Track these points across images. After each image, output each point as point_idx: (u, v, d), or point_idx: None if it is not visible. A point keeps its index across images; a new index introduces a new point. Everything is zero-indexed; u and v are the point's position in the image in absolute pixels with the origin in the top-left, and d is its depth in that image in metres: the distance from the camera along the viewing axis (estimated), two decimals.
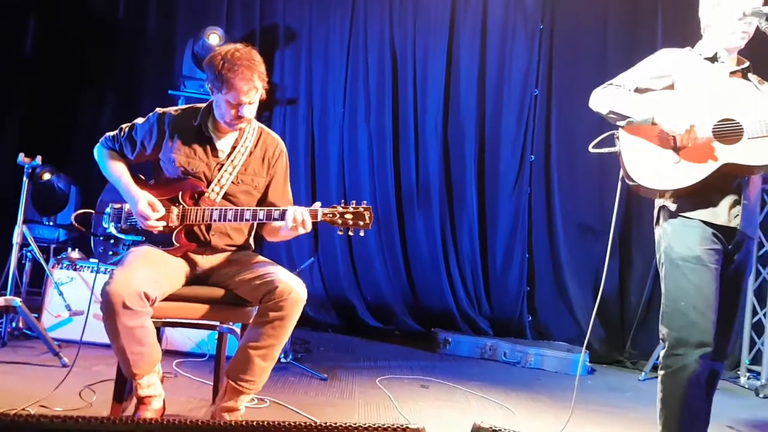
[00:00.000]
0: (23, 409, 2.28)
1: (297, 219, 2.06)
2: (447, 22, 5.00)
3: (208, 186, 2.22)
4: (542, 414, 3.06)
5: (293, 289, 2.04)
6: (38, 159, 3.18)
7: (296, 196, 4.85)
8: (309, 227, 2.08)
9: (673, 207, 2.06)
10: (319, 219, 2.09)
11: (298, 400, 2.81)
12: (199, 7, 4.92)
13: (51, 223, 4.15)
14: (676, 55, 2.17)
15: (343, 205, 2.10)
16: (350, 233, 2.10)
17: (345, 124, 5.01)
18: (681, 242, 2.01)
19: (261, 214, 2.14)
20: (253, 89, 2.11)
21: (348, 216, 2.09)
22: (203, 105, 2.29)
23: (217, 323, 2.36)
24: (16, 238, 3.17)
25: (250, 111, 2.16)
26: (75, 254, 3.64)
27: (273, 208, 2.15)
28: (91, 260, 3.59)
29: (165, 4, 4.97)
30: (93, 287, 3.35)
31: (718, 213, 2.00)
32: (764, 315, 4.46)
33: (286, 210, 2.11)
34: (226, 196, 2.24)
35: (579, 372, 2.66)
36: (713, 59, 2.12)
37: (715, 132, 2.00)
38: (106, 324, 1.94)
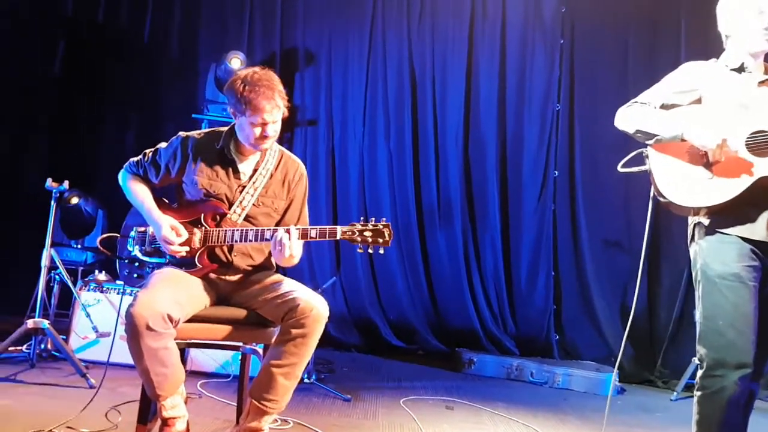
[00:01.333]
0: (50, 430, 2.30)
1: (276, 239, 2.06)
2: (465, 38, 5.02)
3: (229, 208, 2.24)
4: None
5: (314, 306, 2.04)
6: (65, 184, 3.25)
7: (318, 215, 4.89)
8: (288, 251, 2.06)
9: (708, 223, 1.99)
10: (338, 237, 2.08)
11: (321, 422, 2.78)
12: (221, 32, 5.03)
13: (79, 246, 4.22)
14: (701, 68, 2.12)
15: (362, 223, 2.10)
16: (370, 251, 2.09)
17: (365, 142, 5.04)
18: (718, 259, 1.94)
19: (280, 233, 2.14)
20: (275, 108, 2.15)
21: (367, 233, 2.08)
22: (225, 128, 2.32)
23: (240, 344, 2.36)
24: (45, 261, 3.23)
25: (273, 130, 2.19)
26: (102, 276, 3.70)
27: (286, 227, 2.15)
28: (118, 282, 3.63)
29: (187, 29, 5.09)
30: (119, 309, 3.39)
31: (756, 229, 1.93)
32: None
33: (305, 228, 2.11)
34: (248, 218, 2.26)
35: (611, 392, 2.59)
36: (740, 69, 2.07)
37: (748, 145, 1.93)
38: (130, 345, 1.95)
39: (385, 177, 5.01)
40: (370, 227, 2.09)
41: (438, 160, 5.02)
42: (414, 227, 4.95)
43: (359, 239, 2.08)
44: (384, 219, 2.11)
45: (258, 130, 2.16)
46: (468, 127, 5.03)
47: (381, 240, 2.08)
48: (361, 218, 2.14)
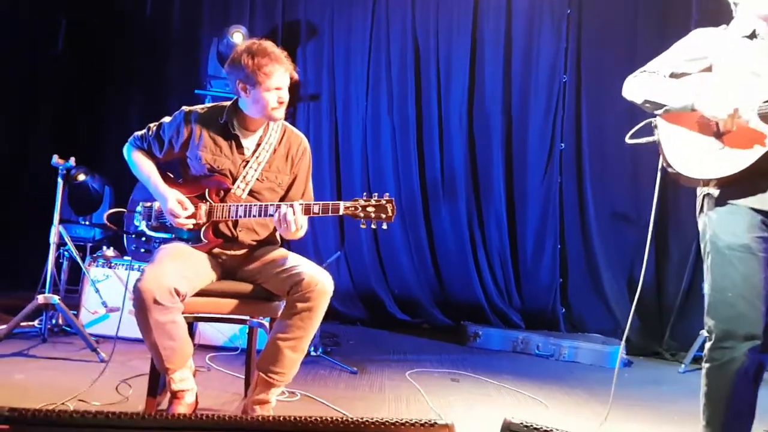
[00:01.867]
0: (63, 404, 2.34)
1: (279, 215, 2.06)
2: (470, 9, 4.94)
3: (233, 183, 2.24)
4: (578, 408, 3.00)
5: (319, 281, 2.05)
6: (72, 160, 3.25)
7: (321, 190, 4.87)
8: (293, 226, 2.06)
9: (717, 194, 1.96)
10: (341, 212, 2.08)
11: (328, 394, 2.81)
12: (222, 6, 4.97)
13: (87, 223, 4.25)
14: (712, 35, 2.05)
15: (365, 198, 2.09)
16: (373, 226, 2.08)
17: (368, 117, 5.00)
18: (727, 230, 1.91)
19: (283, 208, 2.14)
20: (288, 70, 2.18)
21: (370, 209, 2.07)
22: (228, 103, 2.30)
23: (247, 317, 2.38)
24: (53, 238, 3.25)
25: (286, 95, 2.20)
26: (110, 252, 3.73)
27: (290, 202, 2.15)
28: (126, 258, 3.66)
29: (189, 3, 5.03)
30: (127, 284, 3.42)
31: (767, 199, 1.91)
32: None
33: (308, 203, 2.11)
34: (251, 193, 2.26)
35: (618, 365, 2.59)
36: (751, 36, 2.01)
37: (761, 113, 1.89)
38: (139, 320, 1.97)
39: (389, 151, 4.98)
40: (373, 203, 2.07)
41: (442, 134, 4.98)
42: (418, 201, 4.94)
43: (362, 215, 2.07)
44: (387, 194, 2.09)
45: (274, 97, 2.16)
46: (472, 99, 4.97)
47: (384, 215, 2.07)
48: (364, 193, 2.13)
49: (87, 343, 3.10)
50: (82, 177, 3.99)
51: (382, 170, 4.99)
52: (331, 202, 2.09)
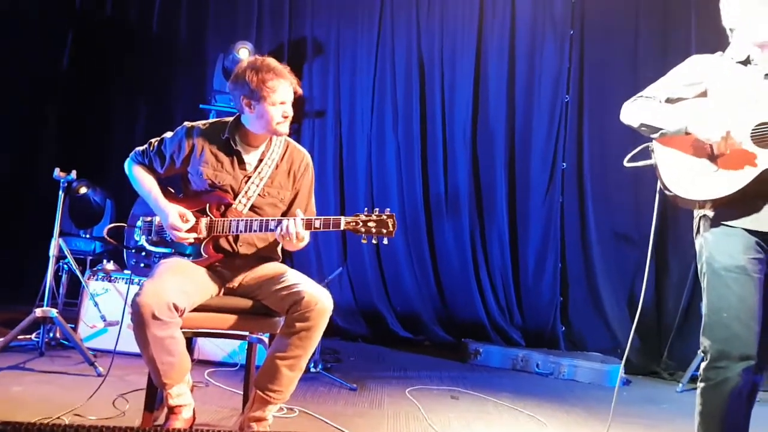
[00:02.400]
0: (58, 418, 2.33)
1: (282, 229, 2.08)
2: (474, 29, 4.99)
3: (234, 198, 2.25)
4: (576, 427, 2.98)
5: (319, 300, 2.05)
6: (73, 173, 3.27)
7: (325, 207, 4.90)
8: (295, 239, 2.09)
9: (713, 215, 1.98)
10: (342, 227, 2.09)
11: (327, 410, 2.80)
12: (229, 22, 5.03)
13: (87, 236, 4.26)
14: (707, 61, 2.10)
15: (366, 214, 2.10)
16: (374, 241, 2.09)
17: (373, 134, 5.03)
18: (723, 251, 1.94)
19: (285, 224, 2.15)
20: (292, 85, 2.21)
21: (371, 224, 2.08)
22: (231, 119, 2.33)
23: (246, 333, 2.38)
24: (53, 251, 3.26)
25: (290, 110, 2.23)
26: (110, 266, 3.73)
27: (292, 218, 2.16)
28: (125, 272, 3.66)
29: (196, 19, 5.09)
30: (126, 298, 3.42)
31: (761, 220, 1.92)
32: None
33: (309, 218, 2.12)
34: (253, 209, 2.27)
35: (618, 384, 2.58)
36: (746, 62, 2.05)
37: (753, 136, 1.92)
38: (137, 334, 1.98)
39: (393, 168, 5.00)
40: (374, 218, 2.09)
41: (446, 151, 5.01)
42: (421, 218, 4.95)
43: (363, 230, 2.08)
44: (388, 209, 2.11)
45: (279, 111, 2.19)
46: (476, 118, 5.01)
47: (385, 230, 2.08)
48: (366, 209, 2.14)
49: (84, 357, 3.10)
50: (83, 190, 4.03)
51: (386, 187, 5.01)
52: (332, 217, 2.11)
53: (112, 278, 3.63)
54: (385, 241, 2.08)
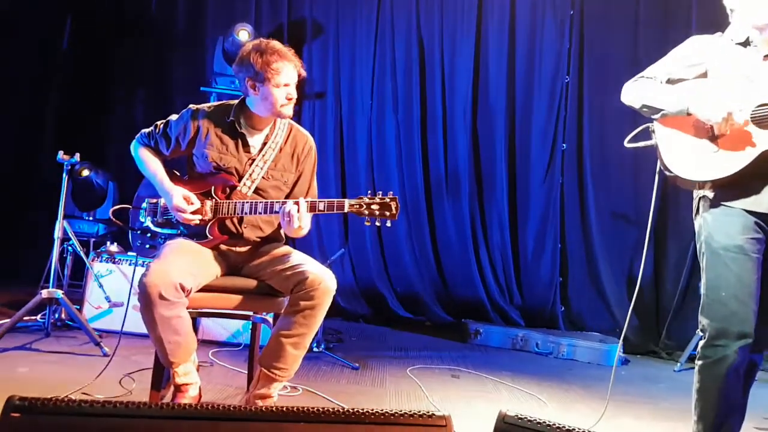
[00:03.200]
0: (66, 396, 2.38)
1: (284, 211, 2.10)
2: (474, 8, 4.96)
3: (239, 181, 2.27)
4: (575, 405, 3.04)
5: (323, 280, 2.08)
6: (77, 156, 3.28)
7: (326, 188, 4.91)
8: (297, 223, 2.09)
9: (713, 196, 2.01)
10: (346, 210, 2.11)
11: (330, 388, 2.85)
12: (228, 4, 4.99)
13: (91, 218, 4.29)
14: (707, 42, 2.10)
15: (369, 196, 2.12)
16: (377, 224, 2.12)
17: (373, 115, 5.03)
18: (722, 231, 1.96)
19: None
20: (296, 67, 2.22)
21: (374, 206, 2.10)
22: (236, 101, 2.34)
23: (251, 313, 2.41)
24: (57, 233, 3.29)
25: (294, 92, 2.23)
26: (114, 248, 3.76)
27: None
28: (130, 253, 3.70)
29: (194, 2, 5.06)
30: (132, 279, 3.45)
31: (762, 201, 1.94)
32: None
33: (313, 200, 2.14)
34: (257, 191, 2.29)
35: (615, 363, 2.62)
36: (745, 43, 2.06)
37: (753, 117, 1.93)
38: (144, 314, 2.01)
39: (393, 150, 5.01)
40: (378, 200, 2.11)
41: (446, 133, 5.01)
42: (422, 199, 4.98)
43: (366, 212, 2.11)
44: (391, 192, 2.13)
45: (283, 93, 2.20)
46: (476, 99, 5.00)
47: (388, 213, 2.10)
48: (369, 191, 2.16)
49: (90, 338, 3.14)
50: (86, 172, 4.04)
51: (387, 168, 5.02)
52: (336, 200, 2.13)
53: (116, 260, 3.66)
54: (388, 224, 2.11)
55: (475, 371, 3.50)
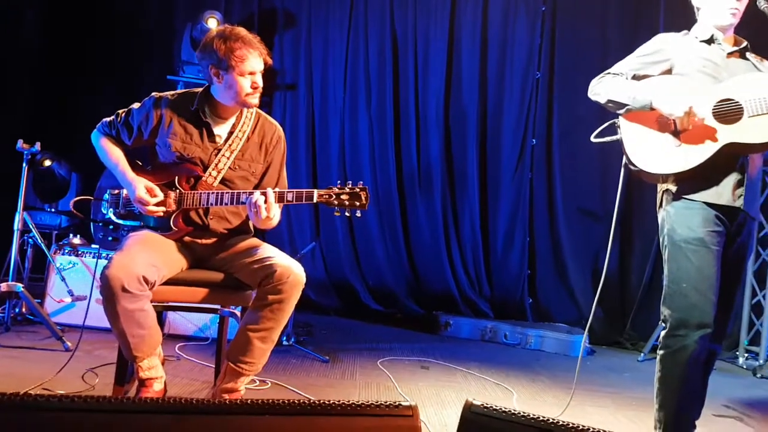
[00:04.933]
0: (26, 392, 2.31)
1: (251, 201, 2.06)
2: (448, 4, 4.98)
3: (204, 171, 2.22)
4: (541, 394, 3.08)
5: (292, 272, 2.05)
6: (37, 145, 3.18)
7: (297, 181, 4.86)
8: (264, 213, 2.06)
9: (675, 189, 2.05)
10: (315, 200, 2.09)
11: (299, 382, 2.84)
12: None
13: (52, 210, 4.17)
14: (673, 40, 2.16)
15: (338, 186, 2.11)
16: (347, 214, 2.10)
17: (346, 108, 5.01)
18: (683, 224, 2.01)
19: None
20: (262, 56, 2.17)
21: (344, 197, 2.08)
22: (200, 89, 2.29)
23: (218, 306, 2.38)
24: (17, 225, 3.19)
25: (260, 81, 2.19)
26: (77, 240, 3.67)
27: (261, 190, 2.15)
28: (93, 246, 3.61)
29: None
30: (95, 272, 3.38)
31: (722, 193, 1.99)
32: (763, 296, 4.47)
33: (281, 191, 2.12)
34: (224, 181, 2.25)
35: (581, 353, 2.67)
36: (710, 41, 2.11)
37: (715, 112, 1.99)
38: (106, 308, 1.96)
39: (366, 143, 5.00)
40: (347, 190, 2.09)
41: (419, 127, 5.02)
42: (394, 193, 4.98)
43: (336, 202, 2.09)
44: (361, 182, 2.12)
45: (248, 82, 2.15)
46: (449, 94, 5.02)
47: (358, 203, 2.08)
48: (338, 182, 2.15)
49: (52, 332, 3.06)
50: (47, 162, 3.92)
51: (359, 161, 5.01)
52: (305, 190, 2.10)
53: (79, 252, 3.57)
54: (359, 214, 2.09)
55: (445, 362, 3.53)
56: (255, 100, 2.21)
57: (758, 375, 4.08)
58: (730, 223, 2.03)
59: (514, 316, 4.80)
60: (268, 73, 2.23)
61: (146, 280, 1.96)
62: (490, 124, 5.04)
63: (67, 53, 4.85)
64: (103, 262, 3.19)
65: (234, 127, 2.28)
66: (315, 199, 2.09)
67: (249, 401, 1.18)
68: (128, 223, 2.26)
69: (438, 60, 4.98)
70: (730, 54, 2.09)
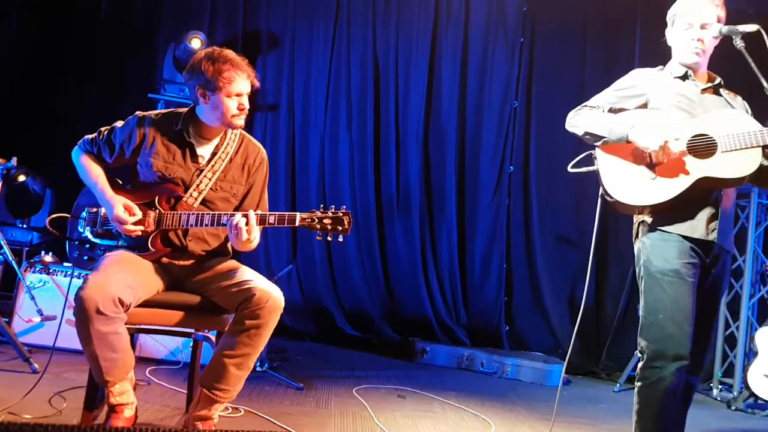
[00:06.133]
0: None
1: (232, 223, 2.04)
2: (429, 31, 5.06)
3: (185, 191, 2.20)
4: (519, 425, 3.06)
5: (271, 297, 2.03)
6: (13, 160, 3.12)
7: (275, 202, 4.84)
8: (245, 235, 2.04)
9: (651, 221, 2.09)
10: (297, 224, 2.07)
11: (273, 410, 2.77)
12: (183, 11, 4.89)
13: (24, 226, 4.07)
14: (648, 75, 2.22)
15: (321, 210, 2.09)
16: (329, 238, 2.09)
17: (327, 130, 5.02)
18: (660, 256, 2.04)
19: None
20: (249, 78, 2.17)
21: (327, 221, 2.07)
22: (185, 110, 2.27)
23: (192, 330, 2.33)
24: None
25: (247, 102, 2.18)
26: (49, 258, 3.57)
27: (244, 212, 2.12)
28: (66, 264, 3.53)
29: (149, 7, 4.93)
30: (67, 292, 3.29)
31: (696, 227, 2.03)
32: (737, 328, 4.55)
33: (263, 213, 2.10)
34: (204, 202, 2.22)
35: (561, 384, 2.66)
36: (684, 77, 2.18)
37: (689, 147, 2.04)
38: (79, 329, 1.90)
39: (346, 166, 5.00)
40: (330, 215, 2.08)
41: (399, 152, 5.05)
42: (373, 216, 4.98)
43: (318, 226, 2.07)
44: (344, 207, 2.11)
45: (235, 103, 2.15)
46: (429, 119, 5.07)
47: (340, 228, 2.07)
48: (321, 205, 2.13)
49: (19, 353, 2.95)
50: (22, 178, 3.85)
51: (339, 184, 5.00)
52: (287, 213, 2.09)
53: (51, 270, 3.48)
54: (341, 239, 2.08)
55: (422, 391, 3.50)
56: (241, 121, 2.21)
57: (732, 407, 4.12)
58: (705, 256, 2.06)
59: (490, 344, 4.80)
60: (251, 94, 2.23)
61: (122, 302, 1.91)
62: (468, 149, 5.10)
63: (47, 66, 4.78)
64: (76, 282, 3.12)
65: (217, 148, 2.26)
66: (297, 223, 2.07)
67: (224, 431, 1.15)
68: (105, 242, 2.21)
69: (418, 84, 5.04)
70: (704, 90, 2.15)
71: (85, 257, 2.23)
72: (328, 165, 5.01)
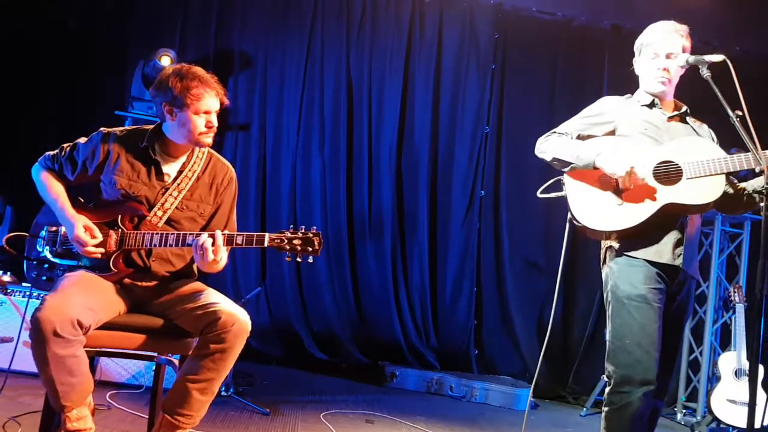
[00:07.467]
0: None
1: (198, 243, 2.00)
2: (403, 55, 5.10)
3: (150, 210, 2.14)
4: None
5: (237, 320, 1.98)
6: None
7: (245, 223, 4.77)
8: (211, 256, 2.00)
9: (618, 247, 2.12)
10: (266, 244, 2.04)
11: None
12: (153, 28, 4.84)
13: None
14: (616, 102, 2.28)
15: (291, 231, 2.06)
16: (299, 260, 2.05)
17: (299, 151, 4.99)
18: (626, 281, 2.07)
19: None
20: (218, 95, 2.14)
21: (296, 242, 2.04)
22: (151, 126, 2.23)
23: (155, 354, 2.25)
24: None
25: (215, 120, 2.15)
26: (6, 278, 3.44)
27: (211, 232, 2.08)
28: (23, 285, 3.41)
29: (118, 23, 4.86)
30: (25, 313, 3.17)
31: (663, 252, 2.07)
32: (700, 353, 4.63)
33: (231, 233, 2.05)
34: (170, 222, 2.17)
35: (528, 408, 2.66)
36: (651, 105, 2.24)
37: (655, 173, 2.09)
38: (35, 352, 1.82)
39: (318, 188, 4.97)
40: (300, 235, 2.05)
41: (371, 174, 5.04)
42: (344, 239, 4.94)
43: (288, 248, 2.04)
44: (314, 228, 2.08)
45: (203, 121, 2.11)
46: (402, 142, 5.09)
47: (311, 249, 2.04)
48: (291, 226, 2.10)
49: None
50: None
51: (310, 206, 4.96)
52: (255, 233, 2.05)
53: (8, 291, 3.35)
54: (311, 260, 2.05)
55: (390, 416, 3.45)
56: (209, 139, 2.17)
57: (696, 431, 4.16)
58: (670, 282, 2.10)
59: (459, 367, 4.78)
60: (221, 113, 2.20)
61: (80, 324, 1.84)
62: (440, 173, 5.13)
63: (9, 80, 4.66)
64: (34, 303, 3.01)
65: (184, 166, 2.22)
66: (266, 244, 2.04)
67: None
68: (65, 262, 2.14)
69: (392, 107, 5.07)
70: (670, 118, 2.21)
71: (44, 277, 2.15)
72: (299, 186, 4.97)
